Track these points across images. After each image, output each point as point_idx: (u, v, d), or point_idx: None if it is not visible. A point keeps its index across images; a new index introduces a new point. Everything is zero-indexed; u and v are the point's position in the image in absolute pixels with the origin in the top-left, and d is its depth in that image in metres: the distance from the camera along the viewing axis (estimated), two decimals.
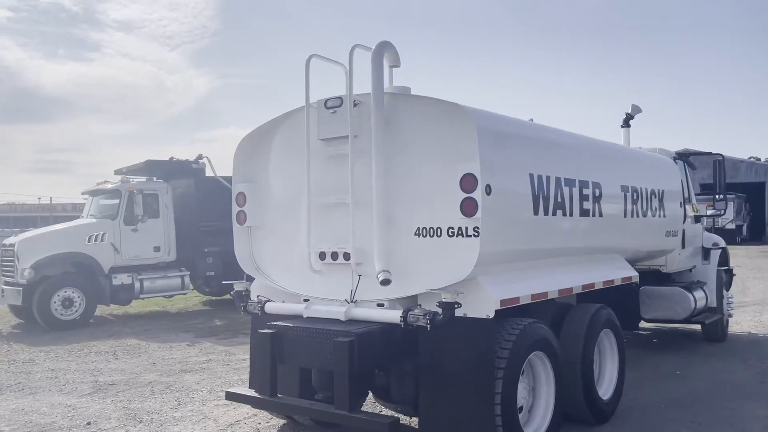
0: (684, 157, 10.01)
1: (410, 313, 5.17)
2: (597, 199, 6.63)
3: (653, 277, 9.72)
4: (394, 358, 5.54)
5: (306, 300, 5.95)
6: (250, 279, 6.60)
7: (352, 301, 5.62)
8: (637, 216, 7.56)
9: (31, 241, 13.97)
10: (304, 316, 5.79)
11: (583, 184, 6.38)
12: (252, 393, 5.74)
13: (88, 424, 7.08)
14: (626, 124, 9.96)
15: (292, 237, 6.10)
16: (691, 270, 10.32)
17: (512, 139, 5.57)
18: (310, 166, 5.83)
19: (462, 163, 5.08)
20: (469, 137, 5.03)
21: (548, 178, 5.82)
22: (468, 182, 5.04)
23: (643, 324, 11.56)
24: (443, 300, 5.01)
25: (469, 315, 5.20)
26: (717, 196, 10.33)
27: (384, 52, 5.51)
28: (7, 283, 13.83)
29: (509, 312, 5.53)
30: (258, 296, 6.26)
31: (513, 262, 5.61)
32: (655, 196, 8.05)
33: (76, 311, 13.63)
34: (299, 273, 5.95)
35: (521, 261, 5.72)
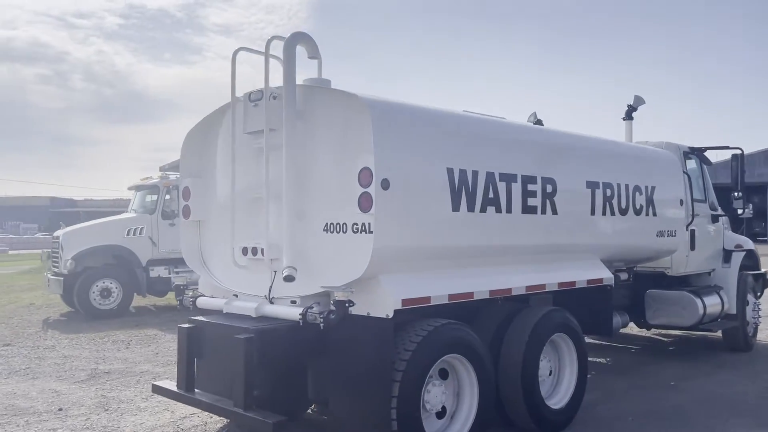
0: (697, 152, 9.31)
1: (309, 311, 5.05)
2: (549, 195, 6.25)
3: (667, 280, 9.11)
4: (308, 357, 5.43)
5: (235, 295, 5.94)
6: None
7: (269, 298, 5.56)
8: (612, 214, 7.09)
9: (74, 234, 14.67)
10: (224, 312, 5.77)
11: (528, 180, 6.03)
12: (173, 387, 5.77)
13: (60, 410, 7.33)
14: (628, 116, 9.35)
15: (227, 232, 6.08)
16: (710, 273, 9.60)
17: (425, 132, 5.32)
18: (237, 159, 5.80)
19: (360, 156, 4.91)
20: (365, 129, 4.86)
21: (475, 173, 5.53)
22: (365, 176, 4.87)
23: (671, 332, 10.93)
24: (336, 298, 4.87)
25: (372, 314, 5.03)
26: (736, 194, 9.56)
27: (296, 44, 5.40)
28: (54, 273, 14.61)
29: (433, 311, 5.33)
30: (193, 290, 6.30)
31: (431, 260, 5.37)
32: (641, 193, 7.51)
33: (114, 301, 14.24)
34: (230, 268, 5.94)
35: (442, 259, 5.46)
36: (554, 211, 6.31)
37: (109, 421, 6.87)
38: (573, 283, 6.62)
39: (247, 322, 5.33)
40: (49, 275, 14.74)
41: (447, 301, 5.34)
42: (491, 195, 5.67)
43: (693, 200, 8.81)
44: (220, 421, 6.73)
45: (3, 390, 8.23)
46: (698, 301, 8.80)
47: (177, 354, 5.77)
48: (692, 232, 8.87)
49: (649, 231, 7.74)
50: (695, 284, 9.51)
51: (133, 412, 7.16)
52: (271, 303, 5.53)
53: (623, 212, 7.24)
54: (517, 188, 5.91)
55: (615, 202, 7.11)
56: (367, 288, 5.02)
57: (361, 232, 4.99)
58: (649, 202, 7.66)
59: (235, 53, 5.79)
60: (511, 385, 5.90)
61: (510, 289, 5.93)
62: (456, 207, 5.37)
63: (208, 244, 6.44)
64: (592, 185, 6.80)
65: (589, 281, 6.81)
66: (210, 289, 6.32)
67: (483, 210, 5.60)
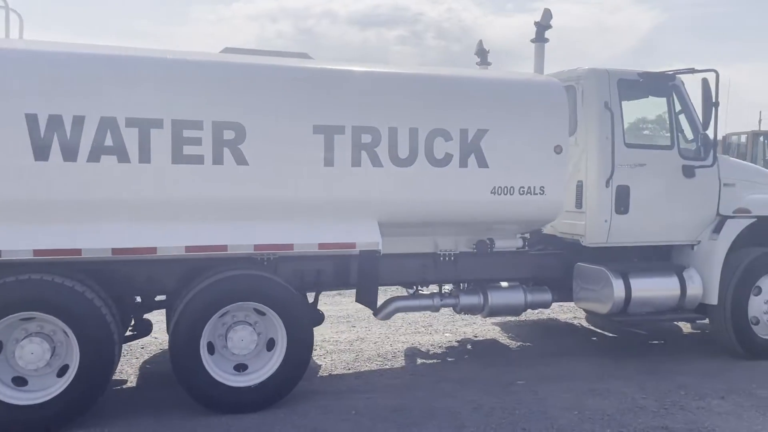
0: (653, 79, 6.64)
1: None
2: (231, 143, 5.35)
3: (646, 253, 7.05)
4: None
5: None
6: None
7: None
8: (378, 166, 5.71)
9: None
10: None
11: (185, 125, 5.24)
12: None
13: None
14: (539, 37, 7.06)
15: None
16: (693, 247, 7.08)
17: None
18: None
19: None
20: None
21: (80, 118, 5.02)
22: None
23: None
24: None
25: None
26: (701, 133, 6.79)
27: None
28: None
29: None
30: None
31: (20, 213, 5.00)
32: (448, 139, 5.87)
33: None
34: None
35: (38, 212, 5.05)
36: (241, 162, 5.38)
37: None
38: (290, 246, 5.59)
39: None
40: None
41: (32, 257, 5.02)
42: (110, 143, 5.09)
43: (614, 144, 6.54)
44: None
45: None
46: (617, 281, 6.58)
47: None
48: (620, 189, 6.61)
49: (472, 187, 6.01)
50: (677, 259, 7.15)
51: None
52: None
53: (404, 163, 5.78)
54: (162, 135, 5.19)
55: (382, 150, 5.71)
56: None
57: None
58: (471, 149, 5.94)
59: None
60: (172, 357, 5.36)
61: (154, 248, 5.28)
62: (42, 156, 4.97)
63: None
64: (327, 130, 5.56)
65: (323, 245, 5.66)
66: None
67: (95, 159, 5.08)
